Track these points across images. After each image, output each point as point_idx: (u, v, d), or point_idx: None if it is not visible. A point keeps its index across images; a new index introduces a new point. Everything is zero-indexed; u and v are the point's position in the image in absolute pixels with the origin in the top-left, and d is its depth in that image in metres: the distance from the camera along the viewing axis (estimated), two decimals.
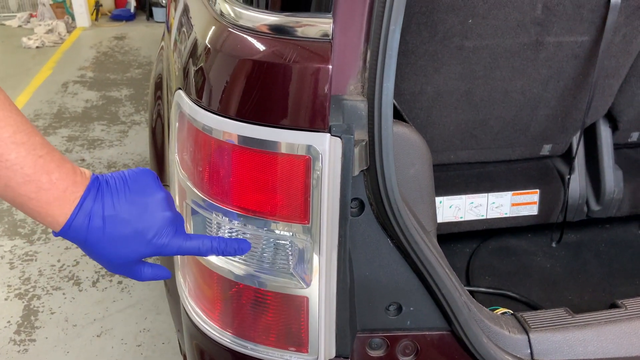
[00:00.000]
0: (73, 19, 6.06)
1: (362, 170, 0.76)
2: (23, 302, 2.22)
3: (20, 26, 6.04)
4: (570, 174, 1.52)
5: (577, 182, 1.55)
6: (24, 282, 2.33)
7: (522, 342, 0.90)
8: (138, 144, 3.47)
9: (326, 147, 0.69)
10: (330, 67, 0.66)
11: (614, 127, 1.53)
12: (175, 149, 0.87)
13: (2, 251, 2.53)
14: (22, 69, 4.77)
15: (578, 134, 1.44)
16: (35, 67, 4.83)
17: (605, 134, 1.52)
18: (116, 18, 6.32)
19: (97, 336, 2.06)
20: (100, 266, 2.42)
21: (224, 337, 0.86)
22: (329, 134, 0.69)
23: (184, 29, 0.95)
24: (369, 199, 0.78)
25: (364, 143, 0.74)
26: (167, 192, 0.69)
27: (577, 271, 1.52)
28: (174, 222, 0.68)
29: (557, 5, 1.14)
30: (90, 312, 2.17)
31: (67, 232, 0.63)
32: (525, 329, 0.91)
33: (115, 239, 0.64)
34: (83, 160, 3.27)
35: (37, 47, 5.32)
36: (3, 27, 6.06)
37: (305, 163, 0.70)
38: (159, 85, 1.33)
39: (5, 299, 2.24)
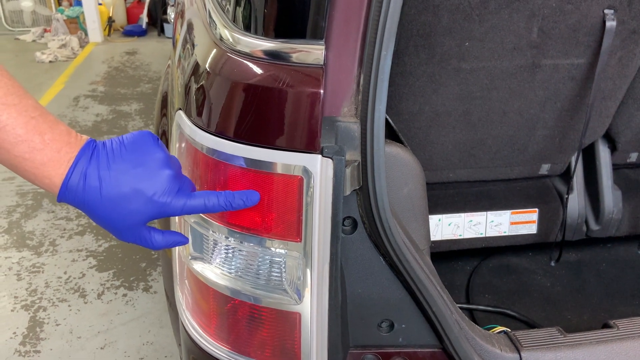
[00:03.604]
0: (86, 34, 6.17)
1: (355, 190, 0.78)
2: (29, 314, 2.25)
3: (34, 41, 6.15)
4: (568, 193, 1.53)
5: (576, 202, 1.56)
6: (30, 294, 2.37)
7: None
8: None
9: (318, 168, 0.71)
10: (321, 91, 0.69)
11: (613, 148, 1.54)
12: None
13: (10, 263, 2.57)
14: (35, 83, 4.86)
15: (576, 154, 1.45)
16: (48, 81, 4.92)
17: (604, 154, 1.53)
18: (128, 33, 6.43)
19: (101, 348, 2.08)
20: (105, 279, 2.45)
21: (220, 352, 0.88)
22: (320, 155, 0.71)
23: (187, 46, 0.98)
24: (361, 217, 0.80)
25: (356, 163, 0.76)
26: (168, 154, 0.68)
27: (576, 290, 1.53)
28: (175, 180, 0.66)
29: (553, 28, 1.16)
30: (95, 325, 2.20)
31: (65, 194, 0.63)
32: (517, 347, 0.92)
33: (114, 199, 0.63)
34: None
35: (50, 61, 5.42)
36: (17, 41, 6.18)
37: (299, 183, 0.73)
38: (164, 102, 1.36)
39: (12, 310, 2.27)
